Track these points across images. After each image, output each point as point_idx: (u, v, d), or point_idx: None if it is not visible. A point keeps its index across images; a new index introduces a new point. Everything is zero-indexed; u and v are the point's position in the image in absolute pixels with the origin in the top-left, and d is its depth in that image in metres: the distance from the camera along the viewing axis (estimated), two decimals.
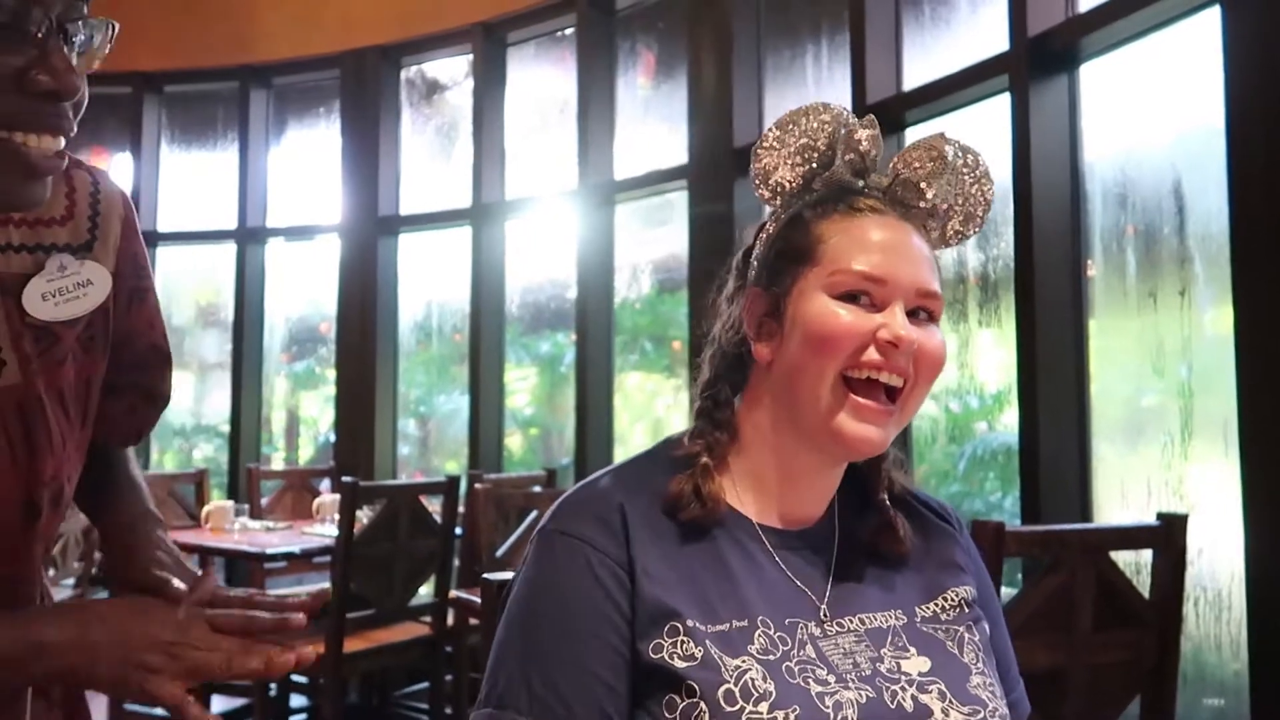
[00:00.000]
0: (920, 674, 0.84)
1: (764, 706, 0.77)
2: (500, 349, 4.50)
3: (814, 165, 0.91)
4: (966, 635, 0.88)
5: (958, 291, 2.88)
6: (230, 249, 5.04)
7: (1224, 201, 1.94)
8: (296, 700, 3.59)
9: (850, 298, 0.85)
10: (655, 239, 4.26)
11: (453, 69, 4.96)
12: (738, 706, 0.77)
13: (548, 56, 4.64)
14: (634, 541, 0.83)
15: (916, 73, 3.01)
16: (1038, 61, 2.49)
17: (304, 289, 5.33)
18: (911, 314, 0.86)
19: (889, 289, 0.85)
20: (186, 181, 5.27)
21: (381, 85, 4.81)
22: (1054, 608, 1.62)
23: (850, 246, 0.87)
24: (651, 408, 4.34)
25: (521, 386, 4.82)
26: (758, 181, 0.93)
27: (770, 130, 0.92)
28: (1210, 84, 2.00)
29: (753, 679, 0.79)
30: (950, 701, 0.82)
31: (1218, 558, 2.08)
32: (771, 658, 0.81)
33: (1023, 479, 2.43)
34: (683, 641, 0.80)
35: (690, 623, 0.80)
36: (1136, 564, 2.03)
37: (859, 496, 0.93)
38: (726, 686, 0.78)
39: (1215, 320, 2.17)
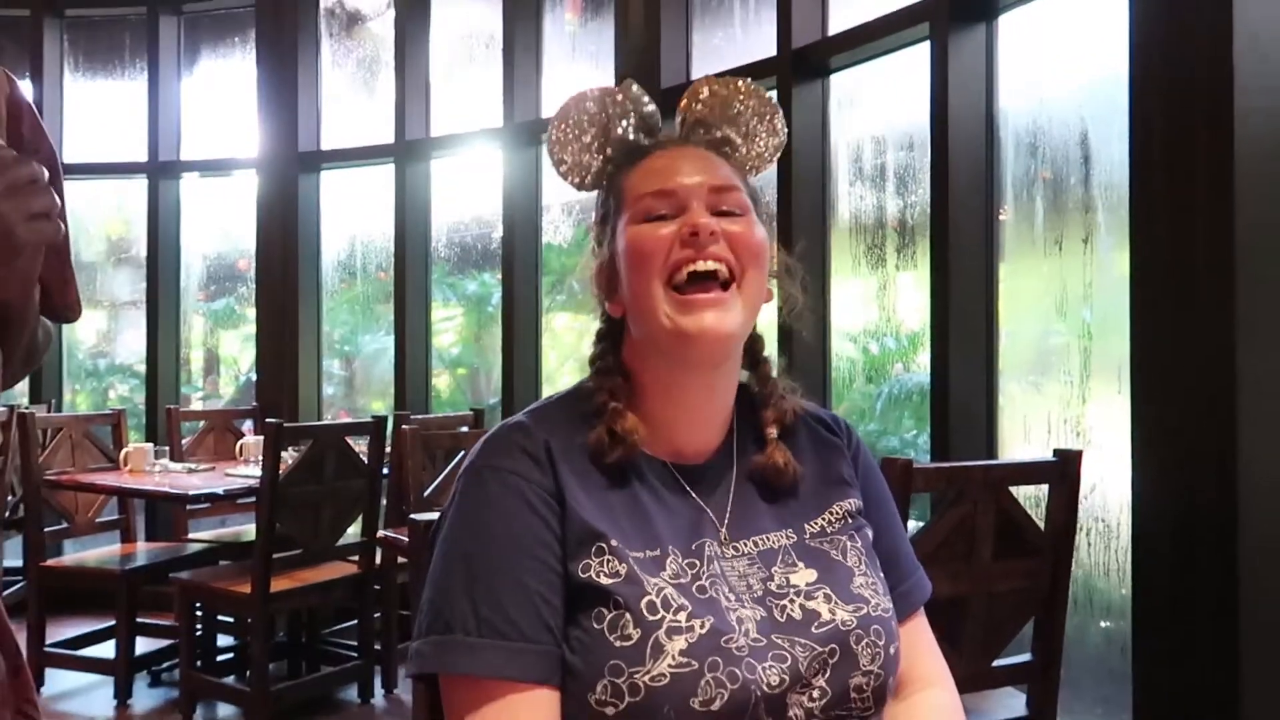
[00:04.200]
0: (807, 584, 0.92)
1: (682, 616, 0.85)
2: (426, 288, 4.47)
3: (601, 140, 0.99)
4: (849, 543, 0.96)
5: (876, 236, 2.96)
6: (141, 183, 4.87)
7: (1125, 151, 2.03)
8: (223, 639, 3.60)
9: (652, 218, 0.92)
10: None
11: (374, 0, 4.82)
12: (659, 616, 0.84)
13: None
14: (560, 474, 0.89)
15: (841, 18, 3.04)
16: (958, 10, 2.54)
17: (221, 225, 5.18)
18: (721, 214, 0.92)
19: (679, 196, 0.92)
20: (93, 111, 5.05)
21: (299, 14, 4.65)
22: (957, 539, 1.72)
23: (641, 179, 0.95)
24: (579, 347, 4.36)
25: (448, 326, 4.80)
26: (565, 177, 1.00)
27: (551, 131, 0.99)
28: (1118, 36, 2.07)
29: (669, 594, 0.86)
30: (836, 603, 0.91)
31: (1109, 491, 2.22)
32: (683, 580, 0.88)
33: (933, 417, 2.54)
34: (608, 560, 0.86)
35: (614, 543, 0.87)
36: (1036, 497, 2.16)
37: (754, 427, 0.99)
38: (649, 598, 0.85)
39: (1115, 265, 2.28)
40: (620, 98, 0.99)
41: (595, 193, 1.01)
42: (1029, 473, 1.90)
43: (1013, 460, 2.34)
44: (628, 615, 0.84)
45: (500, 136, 4.14)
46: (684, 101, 1.01)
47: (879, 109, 3.06)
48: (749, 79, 1.02)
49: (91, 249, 5.30)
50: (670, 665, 0.82)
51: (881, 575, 0.96)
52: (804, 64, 3.02)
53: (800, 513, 0.97)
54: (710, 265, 0.90)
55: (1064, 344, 2.49)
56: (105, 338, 5.49)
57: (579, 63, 4.15)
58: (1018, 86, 2.57)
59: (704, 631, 0.84)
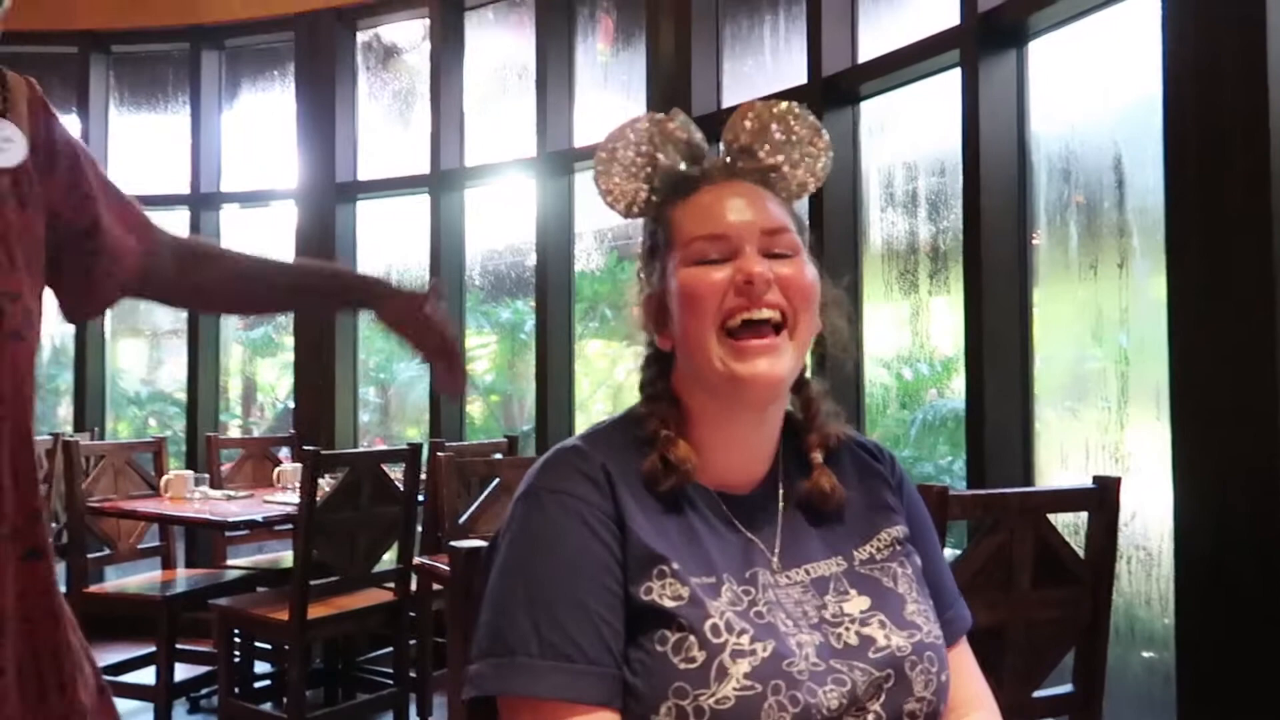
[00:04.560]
0: (861, 612, 0.92)
1: (745, 639, 0.85)
2: (460, 316, 4.51)
3: (647, 170, 0.99)
4: (900, 570, 0.96)
5: (909, 261, 2.95)
6: (183, 214, 4.97)
7: (1160, 176, 2.02)
8: (261, 666, 3.63)
9: (704, 261, 0.92)
10: None
11: (410, 33, 4.90)
12: (722, 639, 0.85)
13: (506, 22, 4.61)
14: (619, 497, 0.91)
15: (871, 45, 3.06)
16: (987, 37, 2.55)
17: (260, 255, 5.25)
18: (773, 256, 0.92)
19: (732, 240, 0.92)
20: (137, 145, 5.18)
21: (337, 49, 4.75)
22: (995, 567, 1.70)
23: (691, 218, 0.95)
24: (612, 374, 4.39)
25: (482, 353, 4.84)
26: (609, 203, 1.00)
27: (598, 158, 1.00)
28: (1150, 61, 2.07)
29: (730, 618, 0.87)
30: (890, 628, 0.91)
31: (1150, 518, 2.18)
32: (740, 606, 0.89)
33: (969, 444, 2.52)
34: (670, 583, 0.87)
35: (675, 565, 0.88)
36: (1075, 524, 2.13)
37: (799, 453, 1.00)
38: (712, 621, 0.85)
39: (1151, 290, 2.26)
40: (667, 126, 0.99)
41: (639, 220, 1.03)
42: (1067, 500, 1.88)
43: (1050, 487, 2.32)
44: (692, 637, 0.84)
45: (533, 165, 4.19)
46: (729, 128, 1.01)
47: (909, 135, 3.07)
48: (793, 102, 1.02)
49: None
50: (735, 688, 0.83)
51: (931, 603, 0.96)
52: (834, 91, 3.04)
53: (849, 539, 0.97)
54: (765, 314, 0.91)
55: (1100, 369, 2.46)
56: (147, 366, 5.59)
57: (611, 92, 4.20)
58: (1049, 111, 2.57)
59: (767, 655, 0.85)
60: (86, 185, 1.09)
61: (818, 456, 0.99)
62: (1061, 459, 2.49)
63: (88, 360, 4.96)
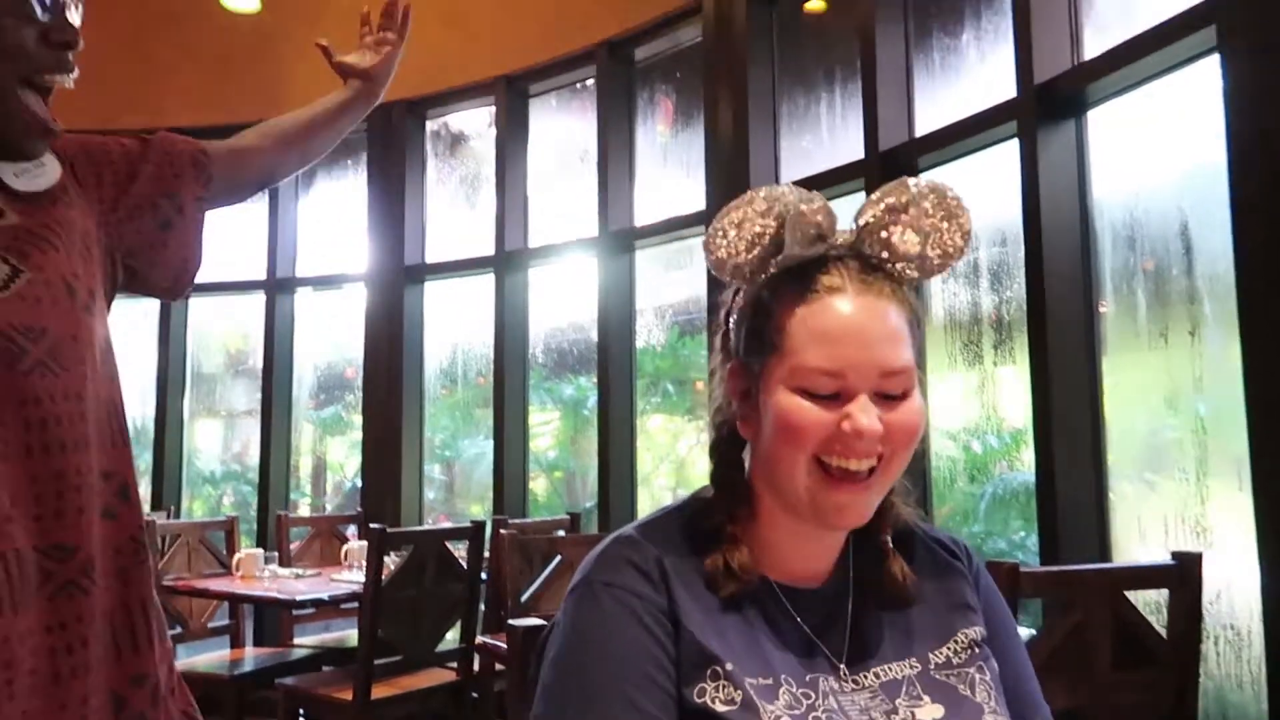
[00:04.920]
0: None
1: None
2: (524, 393, 4.57)
3: (768, 248, 0.91)
4: (978, 676, 0.91)
5: (973, 332, 2.91)
6: (260, 299, 5.15)
7: (1229, 241, 1.97)
8: None
9: (813, 394, 0.86)
10: (675, 283, 4.32)
11: (476, 120, 5.08)
12: None
13: (568, 107, 4.74)
14: (674, 592, 0.88)
15: (928, 119, 3.07)
16: (1045, 107, 2.54)
17: (331, 336, 5.42)
18: (886, 396, 0.87)
19: (850, 379, 0.86)
20: (218, 233, 5.39)
21: (407, 137, 4.94)
22: (1072, 648, 1.64)
23: (809, 338, 0.87)
24: (675, 449, 4.38)
25: (545, 430, 4.87)
26: (715, 271, 0.94)
27: (718, 223, 0.92)
28: (1213, 124, 2.04)
29: None
30: None
31: (1238, 595, 2.08)
32: (797, 711, 0.84)
33: (1040, 518, 2.45)
34: (723, 686, 0.84)
35: (729, 667, 0.85)
36: (1156, 603, 2.04)
37: (870, 543, 0.96)
38: None
39: (1227, 357, 2.19)
40: (804, 209, 0.89)
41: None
42: (1146, 577, 1.81)
43: (1128, 564, 2.23)
44: None
45: (595, 245, 4.26)
46: (866, 209, 0.92)
47: (969, 206, 3.05)
48: (920, 179, 0.95)
49: (211, 361, 5.60)
50: None
51: (1008, 714, 0.91)
52: (892, 165, 3.05)
53: (924, 640, 0.93)
54: (864, 465, 0.87)
55: (1177, 439, 2.38)
56: (223, 445, 5.74)
57: (671, 170, 4.28)
58: (1112, 179, 2.54)
59: None
60: (148, 190, 1.16)
61: (888, 541, 0.95)
62: (1140, 533, 2.39)
63: (166, 440, 5.12)
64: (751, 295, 0.93)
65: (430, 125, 5.08)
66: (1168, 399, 2.39)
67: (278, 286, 5.14)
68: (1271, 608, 1.84)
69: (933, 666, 0.91)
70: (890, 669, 0.90)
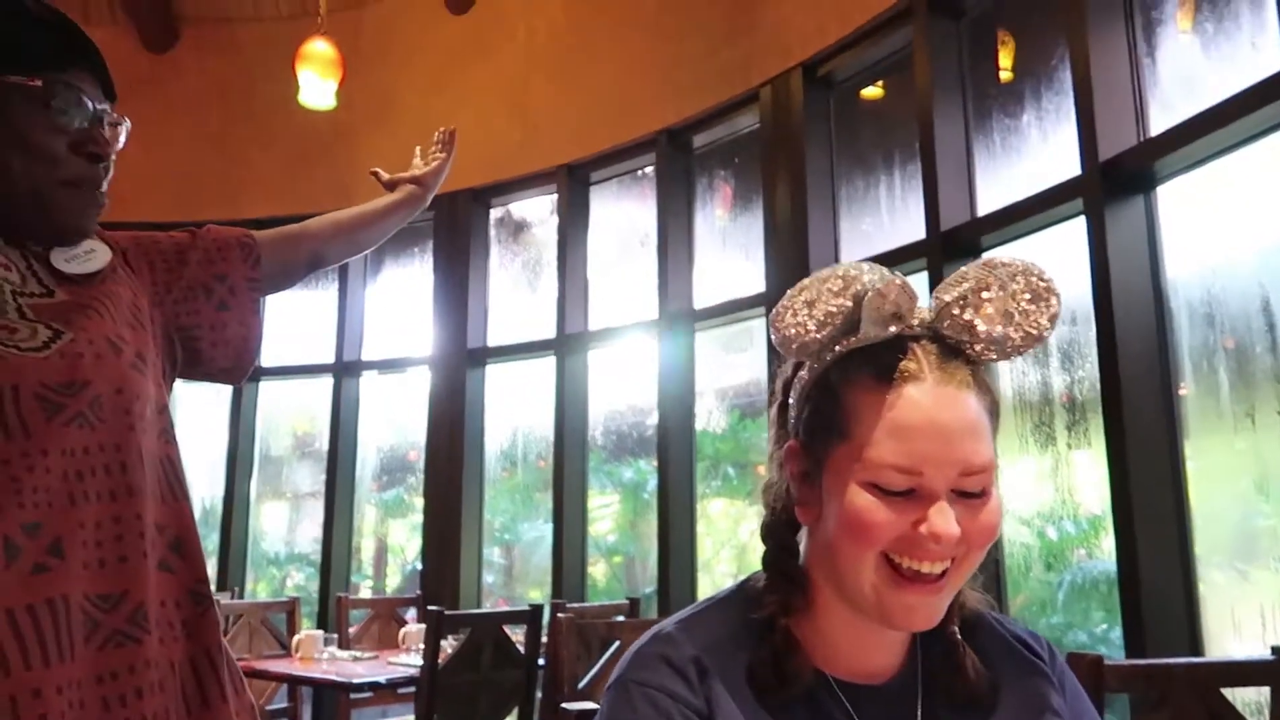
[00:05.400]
0: None
1: None
2: (583, 476, 4.54)
3: (840, 328, 0.84)
4: None
5: (1044, 413, 2.83)
6: (328, 381, 5.25)
7: None
8: None
9: (887, 491, 0.80)
10: (735, 365, 4.30)
11: (539, 207, 5.19)
12: None
13: (629, 193, 4.82)
14: (712, 695, 0.83)
15: (990, 198, 3.05)
16: (1111, 184, 2.51)
17: (395, 419, 5.48)
18: (964, 495, 0.81)
19: (928, 477, 0.80)
20: (287, 317, 5.56)
21: (472, 224, 5.05)
22: None
23: (884, 431, 0.80)
24: (736, 533, 4.30)
25: (605, 513, 4.83)
26: (781, 349, 0.87)
27: (789, 300, 0.85)
28: None
29: None
30: None
31: None
32: None
33: (1124, 608, 2.33)
34: None
35: None
36: (1258, 703, 1.91)
37: (938, 633, 0.88)
38: None
39: None
40: (884, 292, 0.82)
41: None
42: (1243, 672, 1.69)
43: (1223, 658, 2.10)
44: None
45: (655, 327, 4.27)
46: (946, 287, 0.85)
47: (1059, 288, 3.00)
48: (1009, 256, 0.87)
49: (280, 444, 5.69)
50: None
51: None
52: (954, 244, 3.02)
53: None
54: (938, 568, 0.81)
55: (1271, 526, 2.26)
56: (287, 526, 5.80)
57: (730, 254, 4.30)
58: (1186, 255, 2.48)
59: None
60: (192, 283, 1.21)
61: (957, 632, 0.88)
62: (1234, 627, 2.26)
63: (233, 521, 5.19)
64: (818, 374, 0.86)
65: (494, 213, 5.19)
66: (1257, 483, 2.28)
67: (344, 370, 5.24)
68: None
69: None
70: None
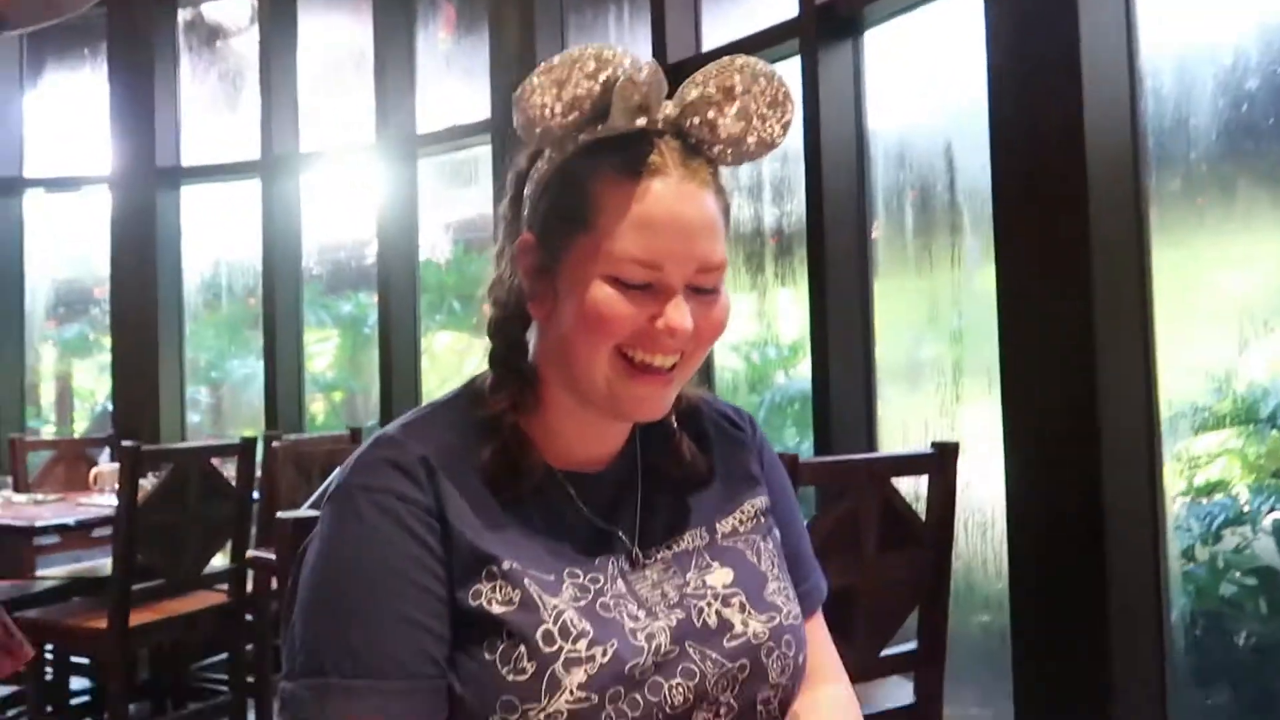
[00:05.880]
0: (724, 586, 0.88)
1: (582, 644, 0.79)
2: (298, 309, 4.31)
3: (587, 114, 0.82)
4: (762, 544, 0.93)
5: (754, 245, 3.01)
6: None
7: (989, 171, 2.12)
8: (78, 682, 3.34)
9: (626, 284, 0.81)
10: (462, 199, 4.19)
11: (236, 14, 4.67)
12: (556, 646, 0.78)
13: (341, 6, 4.45)
14: (442, 492, 0.82)
15: (714, 35, 3.10)
16: (825, 27, 2.62)
17: (73, 247, 4.90)
18: (698, 291, 0.83)
19: (667, 272, 0.81)
20: None
21: (155, 26, 4.47)
22: (843, 531, 1.74)
23: (626, 224, 0.81)
24: (461, 367, 4.29)
25: (323, 349, 4.64)
26: (521, 131, 0.84)
27: (537, 78, 0.81)
28: (977, 56, 2.17)
29: (569, 620, 0.80)
30: (749, 612, 0.87)
31: (983, 488, 2.30)
32: (583, 602, 0.82)
33: (815, 422, 2.59)
34: (500, 586, 0.80)
35: (506, 565, 0.80)
36: (915, 495, 2.22)
37: (656, 423, 0.92)
38: (545, 627, 0.79)
39: (983, 277, 2.38)
40: (637, 78, 0.80)
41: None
42: (910, 464, 1.95)
43: (894, 453, 2.40)
44: (522, 647, 0.78)
45: (374, 152, 4.05)
46: (692, 83, 0.84)
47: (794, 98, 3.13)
48: (751, 60, 0.86)
49: None
50: (568, 701, 0.77)
51: (789, 579, 0.94)
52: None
53: (711, 511, 0.93)
54: (668, 361, 0.83)
55: (936, 351, 2.58)
56: None
57: (455, 79, 4.11)
58: (884, 103, 2.67)
59: (605, 660, 0.79)
60: None
61: (674, 421, 0.93)
62: (904, 436, 2.59)
63: None
64: (560, 164, 0.84)
65: (182, 14, 4.61)
66: (930, 312, 2.57)
67: (1, 187, 4.57)
68: (1013, 499, 2.04)
69: (720, 536, 0.92)
70: (681, 540, 0.90)
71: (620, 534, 0.88)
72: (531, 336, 0.89)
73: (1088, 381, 1.89)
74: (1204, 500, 2.10)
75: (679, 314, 0.81)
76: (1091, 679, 1.89)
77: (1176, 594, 2.00)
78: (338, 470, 0.86)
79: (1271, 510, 2.08)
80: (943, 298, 2.56)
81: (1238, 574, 2.12)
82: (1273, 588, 2.10)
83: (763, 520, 0.95)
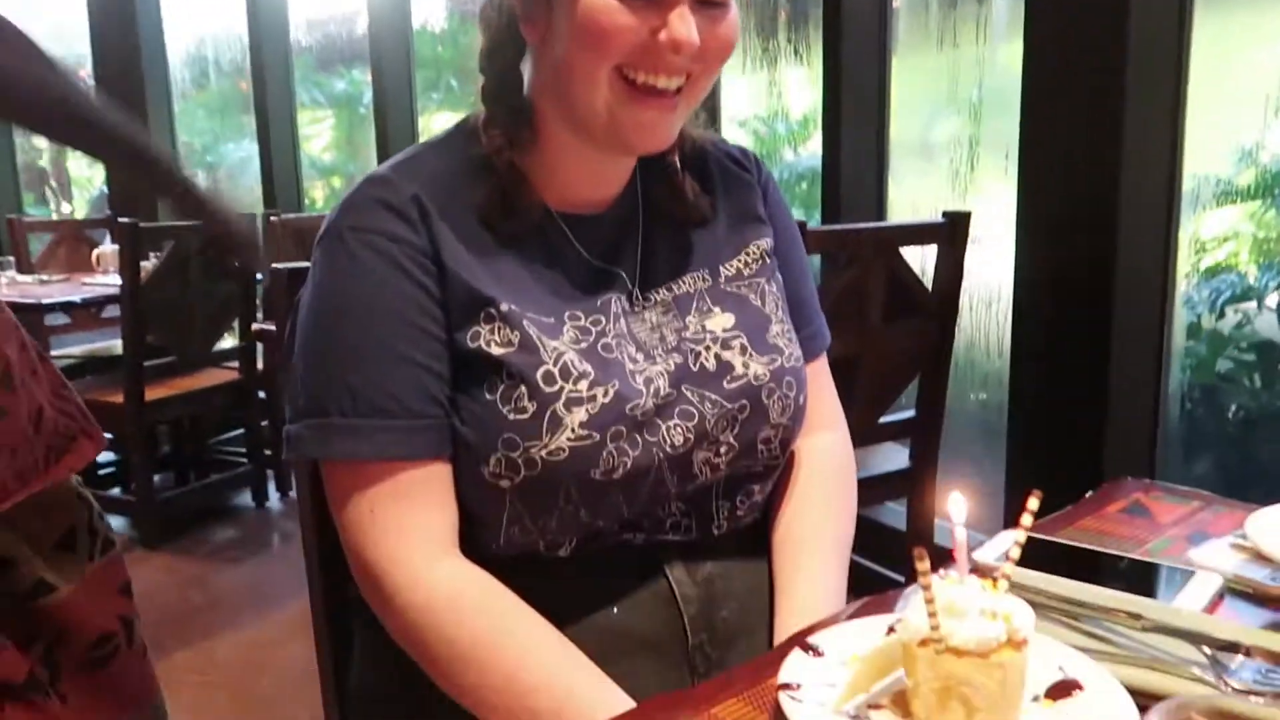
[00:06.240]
0: (724, 330, 0.87)
1: (583, 385, 0.78)
2: (289, 85, 4.15)
3: None
4: (767, 287, 0.91)
5: (766, 10, 2.84)
6: None
7: None
8: (102, 455, 3.47)
9: None
10: None
11: None
12: (557, 386, 0.77)
13: None
14: (436, 233, 0.79)
15: None
16: None
17: (51, 27, 4.68)
18: (705, 4, 0.77)
19: None
20: None
21: None
22: (849, 301, 1.73)
23: None
24: None
25: (319, 130, 4.51)
26: None
27: None
28: None
29: (569, 361, 0.79)
30: (750, 355, 0.86)
31: (991, 271, 2.26)
32: (584, 344, 0.80)
33: (824, 196, 2.53)
34: (499, 328, 0.78)
35: (505, 307, 0.78)
36: (922, 270, 2.19)
37: (659, 163, 0.89)
38: (545, 368, 0.78)
39: (1009, 47, 2.24)
40: None
41: None
42: (919, 234, 1.91)
43: (903, 222, 2.35)
44: (522, 387, 0.77)
45: None
46: None
47: None
48: None
49: None
50: (569, 438, 0.77)
51: (792, 323, 0.92)
52: None
53: (715, 253, 0.90)
54: (673, 83, 0.78)
55: (953, 131, 2.47)
56: None
57: None
58: None
59: (607, 400, 0.78)
60: None
61: (677, 160, 0.89)
62: (914, 211, 2.53)
63: None
64: None
65: None
66: (949, 93, 2.45)
67: None
68: (1023, 262, 2.01)
69: (723, 279, 0.90)
70: (682, 283, 0.88)
71: (621, 277, 0.86)
72: (526, 69, 0.84)
73: (1112, 156, 1.81)
74: (1212, 279, 2.07)
75: (684, 25, 0.75)
76: (1084, 449, 1.92)
77: (1176, 369, 2.00)
78: (329, 213, 0.83)
79: (1279, 288, 2.06)
80: (965, 73, 2.43)
81: (1236, 350, 2.12)
82: (1269, 362, 2.11)
83: (768, 261, 0.93)
